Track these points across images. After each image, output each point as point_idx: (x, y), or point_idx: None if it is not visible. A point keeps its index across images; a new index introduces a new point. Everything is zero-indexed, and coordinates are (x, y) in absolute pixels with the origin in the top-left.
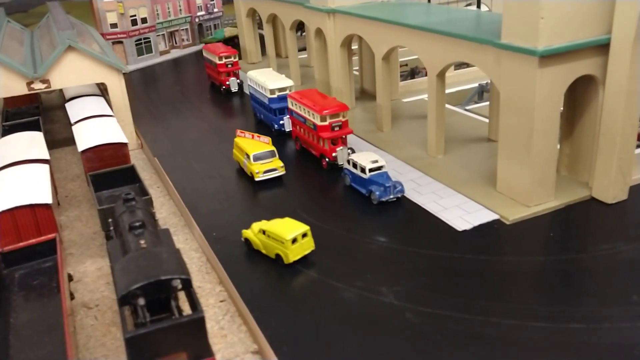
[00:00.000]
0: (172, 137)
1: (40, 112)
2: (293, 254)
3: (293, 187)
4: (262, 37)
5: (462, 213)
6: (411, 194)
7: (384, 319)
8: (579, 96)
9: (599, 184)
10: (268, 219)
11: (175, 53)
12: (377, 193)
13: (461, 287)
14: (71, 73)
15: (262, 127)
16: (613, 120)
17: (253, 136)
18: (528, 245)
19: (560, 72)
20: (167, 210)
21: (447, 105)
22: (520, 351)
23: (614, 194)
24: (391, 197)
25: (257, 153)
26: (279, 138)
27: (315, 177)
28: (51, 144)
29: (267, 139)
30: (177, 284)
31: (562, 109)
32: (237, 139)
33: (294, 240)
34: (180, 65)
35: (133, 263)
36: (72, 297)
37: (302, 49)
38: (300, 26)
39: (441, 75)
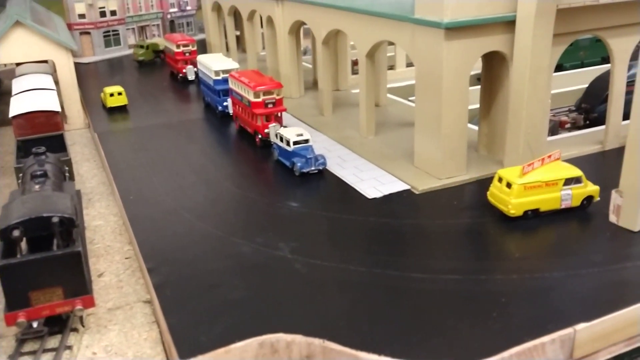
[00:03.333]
0: (119, 118)
1: None
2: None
3: (225, 161)
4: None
5: (376, 184)
6: (334, 168)
7: (273, 269)
8: (495, 76)
9: (509, 159)
10: (192, 190)
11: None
12: (299, 164)
13: (356, 244)
14: (18, 48)
15: (209, 110)
16: (519, 95)
17: None
18: (429, 211)
19: (467, 46)
20: (97, 180)
21: (390, 96)
22: (389, 295)
23: None
24: (312, 168)
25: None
26: (223, 119)
27: (248, 153)
28: (2, 123)
29: None
30: (56, 220)
31: (480, 89)
32: None
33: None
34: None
35: (20, 203)
36: None
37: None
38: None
39: (370, 56)
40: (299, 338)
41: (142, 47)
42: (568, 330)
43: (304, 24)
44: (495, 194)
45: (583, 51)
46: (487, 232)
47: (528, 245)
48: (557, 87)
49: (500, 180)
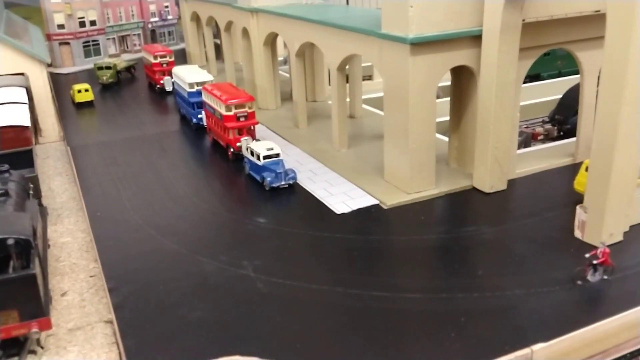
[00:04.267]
0: (93, 129)
1: None
2: None
3: (196, 176)
4: (217, 45)
5: (345, 199)
6: (305, 182)
7: (235, 288)
8: (464, 90)
9: (477, 173)
10: (160, 206)
11: (125, 57)
12: (269, 179)
13: (320, 262)
14: None
15: (184, 122)
16: (486, 110)
17: None
18: (396, 227)
19: (434, 61)
20: (68, 195)
21: (365, 106)
22: (349, 315)
23: (491, 183)
24: (283, 183)
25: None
26: (197, 132)
27: (219, 167)
28: None
29: None
30: (12, 242)
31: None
32: None
33: None
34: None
35: None
36: None
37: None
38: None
39: (341, 70)
40: None
41: (105, 68)
42: (525, 351)
43: (278, 35)
44: (583, 182)
45: (560, 61)
46: (452, 248)
47: (492, 262)
48: (534, 98)
49: (587, 169)
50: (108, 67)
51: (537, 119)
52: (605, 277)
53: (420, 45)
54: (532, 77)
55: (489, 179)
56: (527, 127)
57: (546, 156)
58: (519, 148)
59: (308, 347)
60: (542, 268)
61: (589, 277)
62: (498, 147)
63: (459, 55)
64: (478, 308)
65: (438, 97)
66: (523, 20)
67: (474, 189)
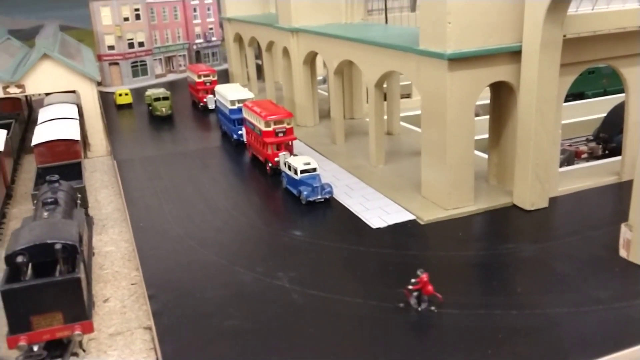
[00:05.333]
0: (138, 145)
1: (20, 119)
2: None
3: (235, 189)
4: (258, 66)
5: (382, 214)
6: (341, 197)
7: (270, 298)
8: (504, 106)
9: (517, 190)
10: (200, 218)
11: (171, 77)
12: (305, 193)
13: (355, 275)
14: (45, 80)
15: (226, 139)
16: (527, 126)
17: None
18: (433, 243)
19: (472, 77)
20: (113, 207)
21: (403, 124)
22: (382, 328)
23: (531, 200)
24: (319, 197)
25: None
26: (238, 148)
27: (258, 181)
28: (29, 150)
29: None
30: (59, 247)
31: (489, 119)
32: None
33: None
34: (173, 87)
35: (27, 230)
36: None
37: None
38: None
39: (379, 86)
40: None
41: (162, 98)
42: None
43: (317, 54)
44: None
45: (606, 79)
46: (490, 265)
47: (532, 279)
48: (577, 116)
49: None
50: (165, 98)
51: (580, 138)
52: (432, 308)
53: (458, 61)
54: (576, 95)
55: (529, 196)
56: (570, 145)
57: (590, 174)
58: (561, 166)
59: (342, 358)
60: (584, 287)
61: (412, 304)
62: (539, 163)
63: (498, 71)
64: (516, 325)
65: (478, 115)
66: (564, 35)
67: (514, 206)
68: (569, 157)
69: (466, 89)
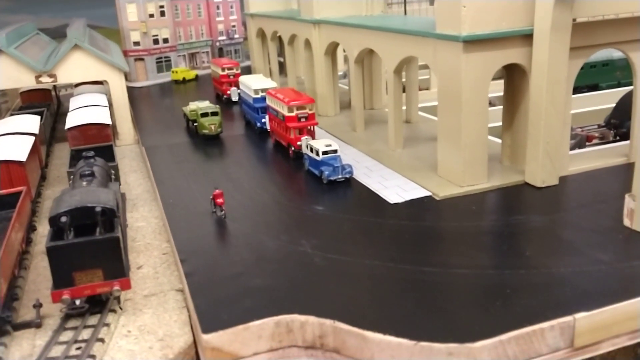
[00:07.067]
0: (165, 133)
1: (50, 108)
2: None
3: (259, 171)
4: (280, 63)
5: (399, 191)
6: (360, 177)
7: (293, 262)
8: (517, 89)
9: (529, 168)
10: (227, 195)
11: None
12: (327, 172)
13: (373, 242)
14: (76, 69)
15: (249, 127)
16: (538, 106)
17: None
18: (447, 215)
19: (485, 59)
20: (142, 189)
21: (421, 113)
22: (398, 285)
23: (542, 177)
24: (339, 176)
25: None
26: (261, 135)
27: (281, 164)
28: (60, 140)
29: None
30: (99, 210)
31: (501, 104)
32: None
33: None
34: (197, 81)
35: (68, 195)
36: (29, 242)
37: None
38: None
39: (398, 73)
40: (312, 319)
41: (211, 114)
42: (567, 318)
43: (338, 45)
44: None
45: (619, 71)
46: (501, 233)
47: (540, 245)
48: (592, 105)
49: None
50: (214, 113)
51: (592, 126)
52: (223, 216)
53: (473, 43)
54: (590, 87)
55: (540, 173)
56: (582, 130)
57: (600, 156)
58: (573, 149)
59: (361, 309)
60: (589, 250)
61: (215, 211)
62: (549, 142)
63: (511, 53)
64: (524, 282)
65: (494, 105)
66: (574, 19)
67: (526, 183)
68: (581, 141)
69: (480, 71)
